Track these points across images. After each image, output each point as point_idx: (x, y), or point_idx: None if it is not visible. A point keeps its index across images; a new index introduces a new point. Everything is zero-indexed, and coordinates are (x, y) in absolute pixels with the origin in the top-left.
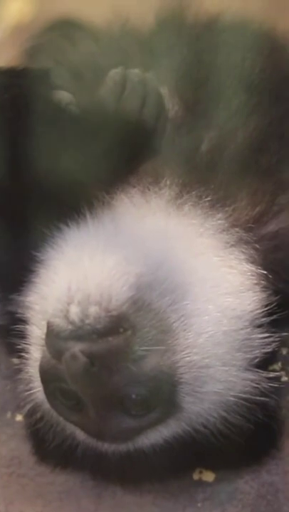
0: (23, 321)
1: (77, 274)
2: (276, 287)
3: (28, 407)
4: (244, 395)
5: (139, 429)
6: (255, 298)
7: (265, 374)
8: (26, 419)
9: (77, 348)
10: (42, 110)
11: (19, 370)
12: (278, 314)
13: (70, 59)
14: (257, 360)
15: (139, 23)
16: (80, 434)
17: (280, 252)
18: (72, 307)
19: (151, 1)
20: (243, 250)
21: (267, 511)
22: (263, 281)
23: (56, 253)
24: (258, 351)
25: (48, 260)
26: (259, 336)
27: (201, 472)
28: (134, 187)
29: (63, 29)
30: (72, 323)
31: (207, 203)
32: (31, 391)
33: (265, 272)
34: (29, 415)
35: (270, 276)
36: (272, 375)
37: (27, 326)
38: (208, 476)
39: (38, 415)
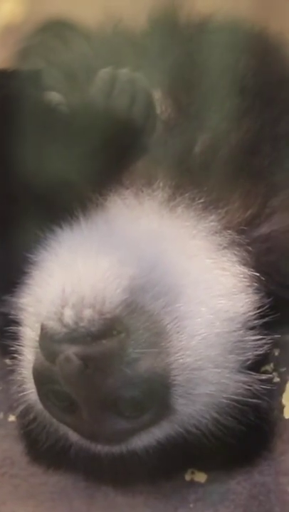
0: (16, 323)
1: (71, 277)
2: (268, 289)
3: (20, 408)
4: (236, 397)
5: (132, 431)
6: (247, 300)
7: (257, 376)
8: (19, 420)
9: (71, 350)
10: (32, 111)
11: (12, 371)
12: (271, 316)
13: (63, 60)
14: (249, 362)
15: (131, 23)
16: (73, 436)
17: (272, 255)
18: (66, 310)
19: (144, 1)
20: (236, 252)
21: None
22: (255, 284)
23: (50, 255)
24: (250, 353)
25: (42, 262)
26: (251, 338)
27: (193, 473)
28: (127, 188)
29: (55, 30)
30: (66, 325)
31: (200, 205)
32: (24, 392)
33: (257, 274)
34: (22, 416)
35: (263, 279)
36: (264, 377)
37: (20, 328)
38: (200, 477)
39: (31, 416)
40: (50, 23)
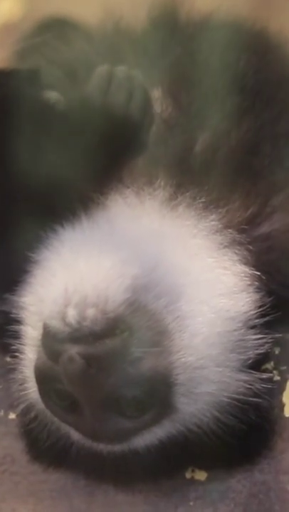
0: (18, 322)
1: (74, 276)
2: (269, 288)
3: (21, 406)
4: (237, 396)
5: (134, 430)
6: (248, 299)
7: (258, 375)
8: (20, 418)
9: (74, 350)
10: (31, 110)
11: (12, 370)
12: (271, 316)
13: (63, 58)
14: (250, 361)
15: (131, 21)
16: (75, 435)
17: (272, 254)
18: (69, 309)
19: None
20: (237, 251)
21: (259, 510)
22: (256, 283)
23: (52, 254)
24: (251, 352)
25: (44, 261)
26: (252, 337)
27: (193, 471)
28: (128, 187)
29: (56, 28)
30: (69, 325)
31: (201, 205)
32: (25, 391)
33: (258, 273)
34: (23, 415)
35: (264, 278)
36: (265, 376)
37: (21, 327)
38: (201, 475)
39: (32, 415)
40: (50, 21)
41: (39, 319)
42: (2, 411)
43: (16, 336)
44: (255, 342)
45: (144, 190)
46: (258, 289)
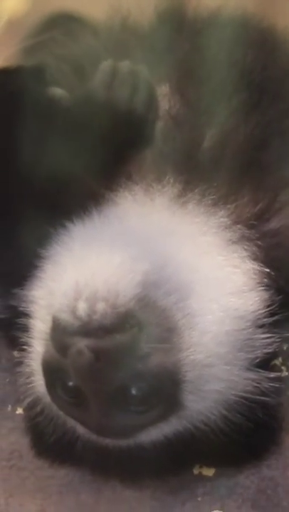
0: (26, 315)
1: (85, 271)
2: (278, 285)
3: (28, 400)
4: (245, 394)
5: (140, 426)
6: (257, 298)
7: (266, 374)
8: (26, 412)
9: (83, 343)
10: (36, 107)
11: (20, 363)
12: (280, 315)
13: (71, 54)
14: (258, 360)
15: (138, 17)
16: (80, 429)
17: (281, 249)
18: (79, 303)
19: None
20: (246, 247)
21: (267, 506)
22: (265, 280)
23: (62, 250)
24: (259, 351)
25: (55, 256)
26: (261, 336)
27: (201, 467)
28: (137, 184)
29: (63, 24)
30: (79, 318)
31: (210, 201)
32: (32, 384)
33: (267, 270)
34: (29, 409)
35: (272, 274)
36: (273, 375)
37: (30, 320)
38: (208, 471)
39: (38, 409)
40: (57, 18)
41: (48, 313)
42: (9, 406)
43: (25, 329)
44: (264, 341)
45: (152, 187)
46: (267, 287)
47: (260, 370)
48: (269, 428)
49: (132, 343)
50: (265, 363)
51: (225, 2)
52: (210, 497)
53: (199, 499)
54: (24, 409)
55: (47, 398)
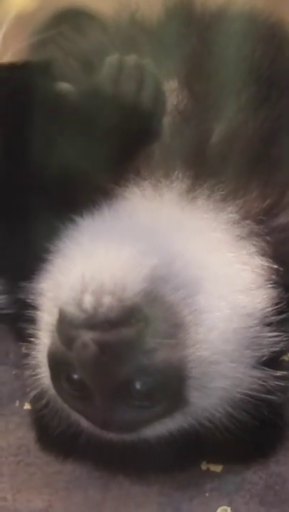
0: (34, 307)
1: (92, 264)
2: (286, 282)
3: (34, 392)
4: (251, 392)
5: (144, 421)
6: (265, 296)
7: (272, 372)
8: (32, 405)
9: (88, 336)
10: (43, 102)
11: (27, 356)
12: (288, 313)
13: (79, 49)
14: (265, 358)
15: (147, 12)
16: (85, 422)
17: None
18: (85, 296)
19: None
20: (254, 243)
21: (275, 501)
22: (273, 277)
23: (71, 243)
24: (266, 349)
25: (63, 249)
26: (268, 334)
27: (208, 462)
28: (146, 180)
29: (71, 19)
30: (84, 311)
31: (218, 196)
32: (38, 376)
33: (275, 266)
34: (35, 401)
35: (281, 270)
36: (279, 373)
37: (37, 312)
38: (216, 467)
39: (44, 401)
40: (66, 13)
41: (55, 305)
42: (17, 401)
43: (32, 322)
44: (271, 339)
45: (161, 182)
46: (275, 285)
47: (266, 369)
48: (275, 426)
49: (137, 338)
50: (271, 362)
51: None
52: (218, 493)
53: (207, 495)
54: (30, 402)
55: (52, 391)
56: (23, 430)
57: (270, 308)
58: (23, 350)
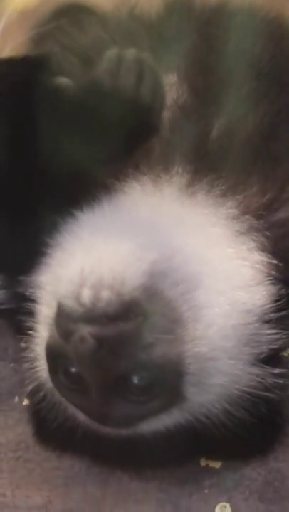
0: (32, 301)
1: (91, 258)
2: (285, 278)
3: (32, 385)
4: (248, 389)
5: (141, 416)
6: (265, 292)
7: (270, 369)
8: (29, 398)
9: (86, 330)
10: (42, 96)
11: (25, 349)
12: (287, 310)
13: (79, 44)
14: (263, 355)
15: (146, 7)
16: (81, 416)
17: None
18: (84, 289)
19: None
20: (254, 238)
21: (274, 498)
22: (273, 272)
23: (70, 237)
24: (264, 346)
25: (62, 243)
26: (267, 331)
27: (207, 459)
28: (146, 175)
29: (71, 14)
30: (83, 305)
31: (218, 191)
32: (36, 369)
33: (275, 262)
34: (32, 394)
35: (280, 265)
36: (277, 370)
37: (36, 305)
38: (215, 463)
39: (41, 394)
40: (66, 7)
41: (54, 298)
42: (16, 397)
43: (31, 315)
44: (269, 336)
45: (161, 177)
46: (275, 281)
47: (264, 366)
48: (273, 423)
49: (135, 332)
50: (270, 359)
51: None
52: (217, 489)
53: (206, 491)
54: (28, 395)
55: (50, 384)
56: (22, 426)
57: (270, 305)
58: (22, 344)
